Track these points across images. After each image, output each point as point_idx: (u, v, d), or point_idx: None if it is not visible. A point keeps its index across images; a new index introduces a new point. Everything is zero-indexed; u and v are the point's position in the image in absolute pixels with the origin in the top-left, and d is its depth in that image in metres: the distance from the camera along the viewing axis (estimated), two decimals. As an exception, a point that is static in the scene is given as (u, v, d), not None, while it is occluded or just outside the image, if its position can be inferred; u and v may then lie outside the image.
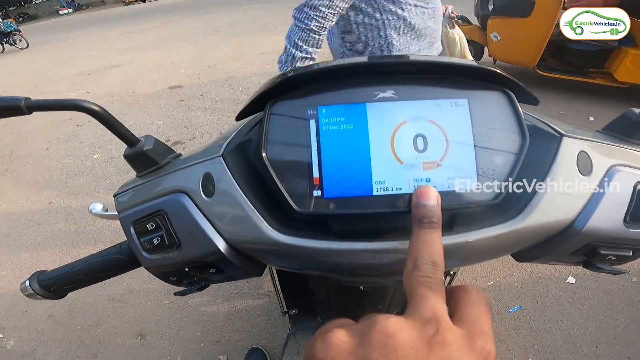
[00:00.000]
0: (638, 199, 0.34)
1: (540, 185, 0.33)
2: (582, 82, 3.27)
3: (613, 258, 0.36)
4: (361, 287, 0.56)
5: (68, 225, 2.27)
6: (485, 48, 3.85)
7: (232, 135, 0.39)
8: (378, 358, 0.18)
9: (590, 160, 0.35)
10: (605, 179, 0.34)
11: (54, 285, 0.44)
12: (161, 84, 4.51)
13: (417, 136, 0.33)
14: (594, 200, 0.34)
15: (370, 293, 0.61)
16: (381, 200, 0.32)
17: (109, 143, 3.19)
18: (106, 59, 6.38)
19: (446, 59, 0.34)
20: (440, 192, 0.31)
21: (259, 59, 5.05)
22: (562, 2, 3.07)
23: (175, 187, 0.36)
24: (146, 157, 0.39)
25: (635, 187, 0.34)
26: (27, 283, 0.43)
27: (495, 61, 3.82)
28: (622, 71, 3.11)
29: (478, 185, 0.32)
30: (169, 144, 2.89)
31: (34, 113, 0.34)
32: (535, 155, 0.35)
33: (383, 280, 0.50)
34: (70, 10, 27.01)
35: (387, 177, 0.32)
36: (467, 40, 3.81)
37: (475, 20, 4.01)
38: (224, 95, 3.89)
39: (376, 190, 0.32)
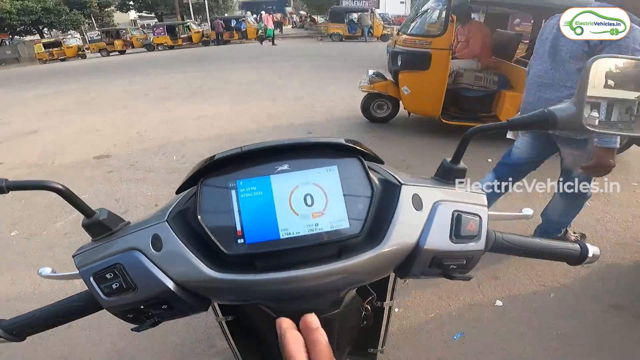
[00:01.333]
0: (455, 222, 0.48)
1: (389, 221, 0.47)
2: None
3: (454, 266, 0.49)
4: None
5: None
6: (400, 102, 4.22)
7: (173, 205, 0.50)
8: None
9: (421, 199, 0.49)
10: (432, 211, 0.49)
11: (15, 329, 0.49)
12: (86, 153, 4.26)
13: (306, 195, 0.47)
14: (427, 225, 0.48)
15: None
16: (286, 241, 0.45)
17: (27, 218, 2.91)
18: (21, 124, 5.86)
19: (321, 138, 0.49)
20: (325, 232, 0.46)
21: (193, 125, 5.11)
22: (451, 53, 3.57)
23: (129, 246, 0.46)
24: (101, 225, 0.48)
25: (453, 214, 0.49)
26: None
27: (409, 114, 4.26)
28: (504, 112, 3.61)
29: (349, 224, 0.46)
30: (94, 221, 2.74)
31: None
32: (386, 199, 0.49)
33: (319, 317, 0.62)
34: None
35: (289, 225, 0.46)
36: (384, 95, 4.29)
37: (390, 76, 4.42)
38: (157, 165, 3.82)
39: (282, 235, 0.45)
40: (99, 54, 21.96)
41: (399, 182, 0.51)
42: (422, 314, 1.85)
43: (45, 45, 21.25)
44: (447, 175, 0.56)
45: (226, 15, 27.89)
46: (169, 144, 4.39)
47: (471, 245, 0.49)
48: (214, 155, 0.48)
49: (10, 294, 2.12)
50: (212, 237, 0.45)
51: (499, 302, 1.89)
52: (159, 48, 21.31)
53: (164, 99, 6.92)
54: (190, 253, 0.45)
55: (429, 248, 0.47)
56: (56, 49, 21.07)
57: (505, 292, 1.96)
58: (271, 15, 16.31)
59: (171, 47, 21.29)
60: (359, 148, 0.50)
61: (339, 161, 0.49)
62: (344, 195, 0.47)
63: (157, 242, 0.46)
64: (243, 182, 0.47)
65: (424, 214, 0.49)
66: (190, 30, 22.05)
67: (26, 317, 0.50)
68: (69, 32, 28.00)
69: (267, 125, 4.94)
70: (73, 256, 0.48)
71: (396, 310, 1.84)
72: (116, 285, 0.44)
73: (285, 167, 0.48)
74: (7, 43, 27.69)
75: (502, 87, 3.86)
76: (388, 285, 0.85)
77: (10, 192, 0.43)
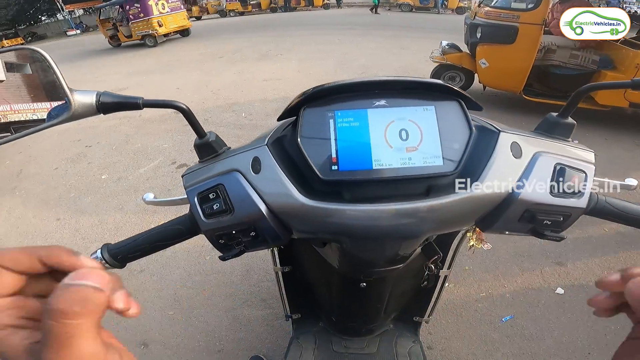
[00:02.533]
0: (557, 174, 0.46)
1: (484, 165, 0.46)
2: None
3: (549, 222, 0.47)
4: (362, 284, 0.70)
5: (75, 241, 2.39)
6: (476, 75, 4.00)
7: (272, 131, 0.53)
8: None
9: (520, 147, 0.48)
10: (532, 160, 0.47)
11: (120, 254, 0.52)
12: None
13: (401, 130, 0.48)
14: (525, 174, 0.46)
15: (369, 291, 0.74)
16: (378, 172, 0.46)
17: (117, 164, 3.36)
18: (113, 82, 6.63)
19: (421, 79, 0.50)
20: (418, 167, 0.46)
21: (261, 86, 5.32)
22: (543, 28, 3.25)
23: (231, 167, 0.49)
24: (209, 147, 0.53)
25: (554, 167, 0.47)
26: (99, 253, 0.52)
27: (485, 87, 4.03)
28: (602, 95, 3.25)
29: (443, 162, 0.46)
30: (175, 166, 3.05)
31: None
32: (482, 145, 0.48)
33: (381, 271, 0.63)
34: (78, 31, 27.69)
35: (382, 157, 0.47)
36: (458, 67, 4.11)
37: (465, 48, 4.18)
38: (227, 121, 4.10)
39: (375, 165, 0.47)
40: (177, 20, 23.33)
41: (497, 129, 0.50)
42: (472, 291, 1.81)
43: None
44: (550, 129, 0.53)
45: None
46: (239, 103, 4.65)
47: (572, 202, 0.46)
48: (316, 86, 0.49)
49: (94, 235, 2.45)
50: (309, 160, 0.47)
51: (560, 290, 1.77)
52: (231, 14, 22.09)
53: (236, 62, 7.25)
54: (285, 177, 0.47)
55: (524, 199, 0.46)
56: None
57: (569, 280, 1.82)
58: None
59: (241, 14, 21.94)
60: (459, 91, 0.50)
61: (437, 102, 0.49)
62: (439, 133, 0.47)
63: (256, 164, 0.48)
64: (341, 112, 0.49)
65: (523, 162, 0.47)
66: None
67: (129, 242, 0.53)
68: (153, -1, 30.00)
69: (331, 90, 4.92)
70: (182, 176, 0.52)
71: (446, 285, 1.80)
72: (217, 205, 0.47)
73: (383, 102, 0.49)
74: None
75: (602, 67, 3.42)
76: (448, 254, 0.84)
77: (144, 108, 0.47)
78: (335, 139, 0.48)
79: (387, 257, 0.57)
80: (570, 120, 0.54)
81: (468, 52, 4.11)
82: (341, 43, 8.49)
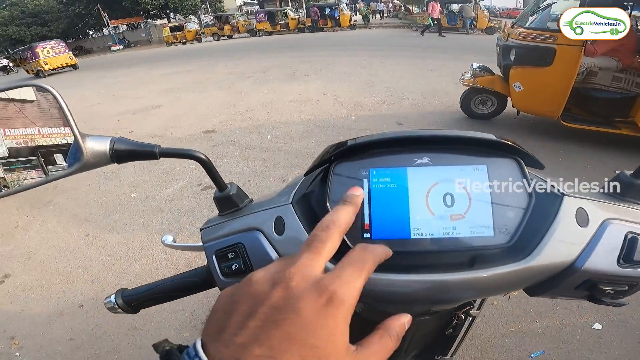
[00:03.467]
0: (628, 245, 0.41)
1: (543, 234, 0.41)
2: (608, 133, 3.22)
3: (612, 292, 0.43)
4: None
5: (101, 257, 2.45)
6: (509, 99, 3.83)
7: (297, 186, 0.49)
8: (240, 299, 0.24)
9: (587, 214, 0.43)
10: (600, 229, 0.42)
11: (134, 301, 0.52)
12: (196, 127, 4.88)
13: (446, 194, 0.42)
14: (591, 245, 0.41)
15: None
16: (417, 242, 0.41)
17: (146, 183, 3.46)
18: (149, 99, 6.98)
19: (471, 133, 0.43)
20: (464, 238, 0.42)
21: (287, 108, 5.39)
22: (584, 50, 3.06)
23: (253, 226, 0.46)
24: (230, 200, 0.50)
25: (625, 236, 0.41)
26: (113, 297, 0.52)
27: (518, 112, 3.86)
28: None
29: (493, 233, 0.40)
30: (200, 187, 3.11)
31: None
32: (541, 210, 0.42)
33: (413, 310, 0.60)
34: (121, 47, 29.65)
35: (422, 225, 0.42)
36: (490, 91, 3.97)
37: (497, 71, 4.04)
38: (253, 143, 4.16)
39: (413, 235, 0.41)
40: (211, 38, 24.61)
41: (561, 192, 0.44)
42: (501, 326, 1.69)
43: (171, 29, 24.79)
44: (624, 191, 0.47)
45: (320, 2, 28.40)
46: (265, 125, 4.72)
47: None
48: (347, 141, 0.45)
49: (120, 253, 2.50)
50: None
51: (597, 325, 1.63)
52: (260, 34, 22.96)
53: (263, 82, 7.44)
54: None
55: (588, 269, 0.41)
56: (179, 32, 24.43)
57: (609, 315, 1.67)
58: (437, 4, 15.28)
59: (270, 33, 22.73)
60: (517, 147, 0.44)
61: (489, 160, 0.44)
62: (491, 199, 0.42)
63: (279, 224, 0.45)
64: (377, 171, 0.44)
65: (589, 231, 0.42)
66: (287, 17, 23.11)
67: (145, 289, 0.52)
68: (189, 17, 31.99)
69: (357, 113, 4.93)
70: (200, 229, 0.50)
71: (470, 317, 1.67)
72: (235, 266, 0.45)
73: (426, 160, 0.43)
74: (142, 26, 32.98)
75: None
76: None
77: (161, 158, 0.45)
78: (369, 203, 0.43)
79: (414, 313, 0.51)
80: None
81: (501, 74, 3.95)
82: (367, 65, 8.54)
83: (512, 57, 3.59)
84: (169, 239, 0.62)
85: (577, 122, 3.40)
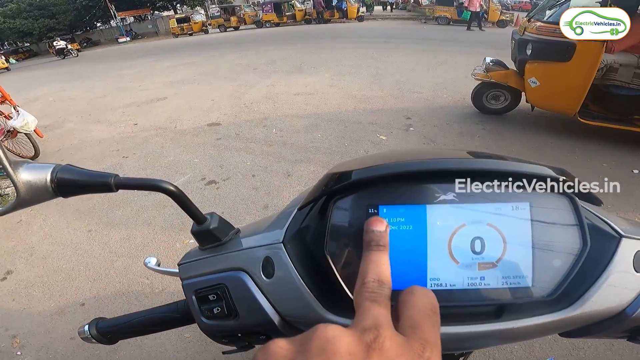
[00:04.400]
0: None
1: (592, 282, 0.35)
2: (626, 131, 3.13)
3: None
4: None
5: (103, 254, 2.41)
6: (523, 94, 3.74)
7: (290, 219, 0.42)
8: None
9: None
10: None
11: (110, 333, 0.48)
12: (201, 120, 4.82)
13: (475, 239, 0.34)
14: None
15: None
16: (435, 294, 0.34)
17: (149, 176, 3.39)
18: (154, 91, 6.93)
19: (511, 164, 0.35)
20: (493, 290, 0.34)
21: (293, 100, 5.30)
22: (605, 46, 2.96)
23: (237, 266, 0.40)
24: (211, 234, 0.43)
25: None
26: (86, 328, 0.48)
27: (533, 108, 3.77)
28: None
29: (531, 284, 0.33)
30: (204, 182, 3.05)
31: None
32: (594, 254, 0.35)
33: None
34: (128, 38, 29.71)
35: (442, 275, 0.34)
36: (504, 85, 3.85)
37: (512, 65, 3.95)
38: (258, 136, 4.08)
39: (430, 286, 0.34)
40: (217, 30, 24.50)
41: (619, 233, 0.37)
42: None
43: (178, 21, 24.75)
44: None
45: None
46: (270, 118, 4.64)
47: None
48: (351, 171, 0.35)
49: (122, 250, 2.46)
50: (341, 281, 0.35)
51: None
52: (267, 25, 22.79)
53: (269, 74, 7.34)
54: (305, 287, 0.37)
55: (638, 317, 0.35)
56: (185, 24, 24.37)
57: None
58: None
59: (277, 25, 22.55)
60: (569, 182, 0.34)
61: (533, 196, 0.35)
62: (533, 244, 0.34)
63: (268, 266, 0.39)
64: (388, 208, 0.35)
65: None
66: (294, 8, 22.85)
67: (122, 321, 0.48)
68: (196, 8, 31.86)
69: (364, 106, 4.81)
70: (178, 264, 0.45)
71: None
72: (217, 310, 0.40)
73: (451, 196, 0.35)
74: (149, 18, 32.96)
75: None
76: None
77: (119, 190, 0.38)
78: None
79: None
80: None
81: (515, 69, 3.82)
82: (375, 57, 8.38)
83: (529, 52, 3.46)
84: (152, 262, 0.55)
85: (595, 119, 3.28)
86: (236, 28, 24.18)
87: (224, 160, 3.53)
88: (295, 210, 0.43)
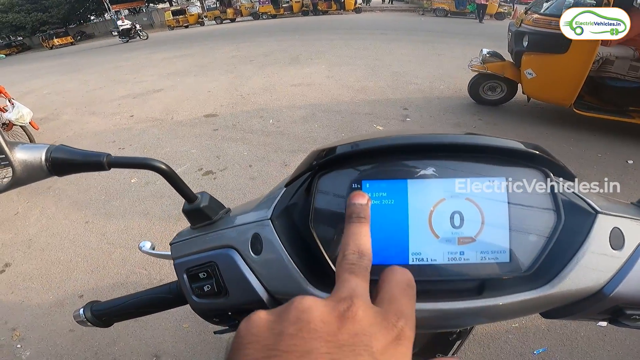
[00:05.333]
0: None
1: (568, 259, 0.35)
2: (621, 122, 3.18)
3: (638, 317, 0.38)
4: None
5: (101, 245, 2.41)
6: (519, 85, 3.79)
7: (278, 198, 0.43)
8: (292, 331, 0.19)
9: (623, 235, 0.37)
10: (636, 252, 0.36)
11: (104, 315, 0.49)
12: (198, 111, 4.79)
13: (454, 213, 0.35)
14: (624, 270, 0.35)
15: None
16: (416, 268, 0.35)
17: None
18: (151, 83, 6.87)
19: (487, 139, 0.36)
20: (473, 265, 0.35)
21: (290, 91, 5.28)
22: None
23: (227, 243, 0.41)
24: (202, 213, 0.44)
25: None
26: (81, 311, 0.49)
27: (529, 99, 3.81)
28: None
29: (509, 259, 0.35)
30: (201, 172, 3.05)
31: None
32: (571, 230, 0.36)
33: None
34: (122, 31, 29.31)
35: (423, 249, 0.35)
36: (500, 77, 3.88)
37: (508, 57, 4.00)
38: (255, 127, 4.07)
39: (412, 260, 0.35)
40: (214, 22, 24.21)
41: (595, 209, 0.38)
42: (504, 322, 1.64)
43: (173, 13, 24.39)
44: None
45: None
46: (267, 108, 4.62)
47: None
48: (335, 146, 0.37)
49: (120, 241, 2.45)
50: (325, 254, 0.36)
51: (602, 323, 1.59)
52: (263, 17, 22.57)
53: (266, 65, 7.28)
54: (293, 264, 0.38)
55: (617, 297, 0.35)
56: (181, 16, 24.04)
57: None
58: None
59: (274, 16, 22.32)
60: (544, 156, 0.36)
61: (509, 171, 0.36)
62: (510, 219, 0.35)
63: (256, 243, 0.40)
64: (370, 183, 0.36)
65: (624, 255, 0.36)
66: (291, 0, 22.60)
67: (116, 303, 0.49)
68: (191, 0, 31.42)
69: (361, 97, 4.81)
70: (170, 244, 0.45)
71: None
72: (208, 287, 0.40)
73: (431, 170, 0.36)
74: (144, 10, 32.51)
75: None
76: None
77: (111, 169, 0.39)
78: None
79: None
80: None
81: (512, 61, 3.85)
82: (372, 48, 8.34)
83: (525, 44, 3.49)
84: (146, 246, 0.56)
85: (590, 110, 3.32)
86: (232, 20, 23.90)
87: (221, 151, 3.53)
88: (284, 187, 0.44)
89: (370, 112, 4.24)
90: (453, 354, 0.89)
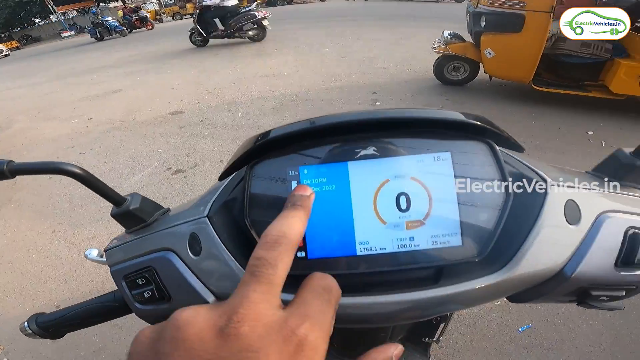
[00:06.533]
0: (629, 244, 0.33)
1: (524, 237, 0.33)
2: (579, 96, 3.33)
3: (605, 298, 0.36)
4: None
5: (71, 255, 2.29)
6: (481, 65, 3.86)
7: (217, 194, 0.40)
8: (167, 350, 0.17)
9: (579, 208, 0.35)
10: (595, 226, 0.34)
11: (50, 327, 0.46)
12: (162, 110, 4.58)
13: (400, 195, 0.33)
14: (584, 247, 0.33)
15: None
16: (365, 259, 0.33)
17: (111, 172, 3.23)
18: (108, 83, 6.49)
19: (428, 111, 0.33)
20: (425, 250, 0.32)
21: (258, 83, 5.16)
22: (552, 15, 3.10)
23: (163, 246, 0.38)
24: (133, 216, 0.41)
25: (626, 232, 0.34)
26: (26, 324, 0.47)
27: (491, 77, 3.92)
28: (616, 83, 3.13)
29: (461, 242, 0.32)
30: (170, 172, 2.94)
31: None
32: (522, 206, 0.34)
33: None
34: (72, 33, 27.47)
35: (371, 238, 0.33)
36: (462, 57, 3.95)
37: (469, 38, 4.06)
38: (224, 122, 3.95)
39: (360, 251, 0.33)
40: (172, 18, 23.21)
41: (547, 180, 0.35)
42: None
43: (127, 11, 23.00)
44: (621, 173, 0.38)
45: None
46: (235, 102, 4.49)
47: None
48: (269, 131, 0.34)
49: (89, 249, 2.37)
50: None
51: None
52: (226, 10, 21.80)
53: (232, 59, 7.08)
54: (236, 263, 0.34)
55: (580, 276, 0.33)
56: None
57: None
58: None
59: (237, 9, 21.64)
60: (488, 127, 0.33)
61: (453, 145, 0.34)
62: (458, 198, 0.33)
63: (195, 243, 0.37)
64: (308, 169, 0.34)
65: (581, 229, 0.34)
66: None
67: (61, 314, 0.46)
68: (147, -3, 29.88)
69: (330, 84, 4.77)
70: (105, 250, 0.42)
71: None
72: (148, 294, 0.37)
73: (371, 150, 0.33)
74: (94, 10, 30.63)
75: (616, 55, 3.27)
76: None
77: (16, 176, 0.35)
78: None
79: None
80: None
81: (472, 41, 3.94)
82: (340, 35, 8.30)
83: (483, 24, 3.57)
84: (93, 253, 0.52)
85: (548, 86, 3.47)
86: (192, 15, 23.03)
87: (189, 149, 3.40)
88: (222, 183, 0.41)
89: (340, 98, 4.23)
90: (439, 337, 0.90)
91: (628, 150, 0.39)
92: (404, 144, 0.34)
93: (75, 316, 0.46)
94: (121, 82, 6.43)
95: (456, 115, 0.33)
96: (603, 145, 2.81)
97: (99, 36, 16.52)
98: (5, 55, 18.36)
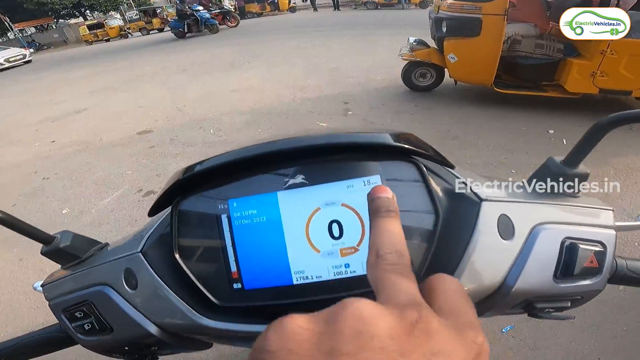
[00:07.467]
0: (567, 254, 0.33)
1: (460, 256, 0.33)
2: (538, 96, 3.48)
3: (552, 310, 0.37)
4: None
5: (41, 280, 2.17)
6: (446, 70, 3.96)
7: (152, 229, 0.40)
8: (349, 350, 0.14)
9: (512, 223, 0.35)
10: (530, 239, 0.34)
11: None
12: (130, 129, 4.43)
13: (332, 222, 0.32)
14: (520, 261, 0.34)
15: None
16: (302, 288, 0.33)
17: (78, 196, 3.08)
18: (71, 103, 6.21)
19: (345, 136, 0.33)
20: (362, 277, 0.32)
21: (229, 98, 5.10)
22: (506, 18, 3.24)
23: (100, 281, 0.38)
24: (65, 253, 0.41)
25: (562, 243, 0.34)
26: None
27: (456, 82, 4.04)
28: (570, 82, 3.28)
29: None
30: (141, 194, 2.82)
31: None
32: (455, 224, 0.34)
33: None
34: (32, 50, 26.29)
35: (306, 267, 0.33)
36: (428, 63, 4.04)
37: (433, 43, 4.15)
38: (195, 139, 3.87)
39: (296, 280, 0.33)
40: (139, 33, 22.69)
41: (478, 197, 0.35)
42: None
43: (90, 27, 22.44)
44: (553, 181, 0.39)
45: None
46: (206, 118, 4.41)
47: (585, 285, 0.35)
48: (194, 165, 0.33)
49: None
50: (197, 283, 0.33)
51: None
52: (194, 24, 21.50)
53: (200, 74, 6.98)
54: (173, 294, 0.35)
55: (521, 290, 0.34)
56: (100, 30, 22.21)
57: None
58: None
59: (205, 23, 21.40)
60: (413, 148, 0.33)
61: (383, 167, 0.33)
62: None
63: (130, 277, 0.37)
64: (237, 202, 0.34)
65: (517, 243, 0.34)
66: (221, 2, 21.94)
67: (5, 345, 0.44)
68: (109, 13, 29.15)
69: (302, 96, 4.80)
70: (41, 286, 0.42)
71: None
72: (88, 326, 0.37)
73: (300, 179, 0.33)
74: (54, 27, 29.47)
75: (567, 55, 3.46)
76: None
77: None
78: (233, 245, 0.33)
79: None
80: (581, 169, 0.38)
81: (436, 47, 4.05)
82: (309, 46, 8.38)
83: (444, 29, 3.66)
84: (39, 285, 0.50)
85: (508, 88, 3.62)
86: (160, 30, 22.49)
87: (160, 169, 3.29)
88: (160, 217, 0.41)
89: (313, 109, 4.25)
90: None
91: (559, 158, 0.39)
92: (333, 169, 0.33)
93: (22, 347, 0.44)
94: (85, 102, 6.17)
95: (382, 137, 0.32)
96: (564, 143, 2.94)
97: (185, 30, 13.58)
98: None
